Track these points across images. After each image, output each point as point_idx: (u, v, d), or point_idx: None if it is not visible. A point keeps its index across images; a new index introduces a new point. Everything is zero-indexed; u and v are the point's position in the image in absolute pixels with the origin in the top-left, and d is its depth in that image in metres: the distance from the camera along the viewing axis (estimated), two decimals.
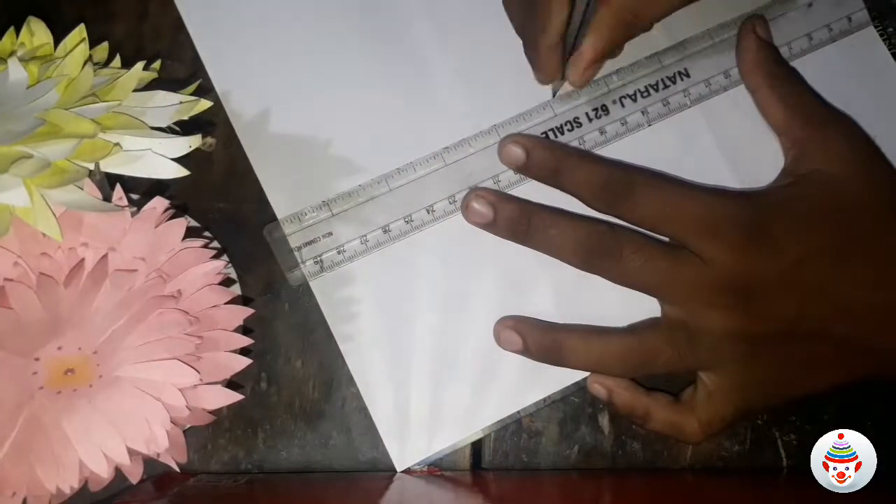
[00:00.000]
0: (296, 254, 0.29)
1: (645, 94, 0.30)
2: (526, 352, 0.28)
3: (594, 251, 0.27)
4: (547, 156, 0.28)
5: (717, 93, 0.31)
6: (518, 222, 0.28)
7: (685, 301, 0.27)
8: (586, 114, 0.30)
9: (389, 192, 0.29)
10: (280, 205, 0.30)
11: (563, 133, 0.30)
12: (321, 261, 0.29)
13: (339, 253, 0.29)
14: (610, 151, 0.30)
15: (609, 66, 0.30)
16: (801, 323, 0.26)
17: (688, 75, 0.30)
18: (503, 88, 0.31)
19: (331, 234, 0.29)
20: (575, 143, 0.30)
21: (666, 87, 0.30)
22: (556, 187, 0.28)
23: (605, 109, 0.30)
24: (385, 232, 0.29)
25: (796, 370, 0.27)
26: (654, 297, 0.27)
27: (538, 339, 0.28)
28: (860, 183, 0.27)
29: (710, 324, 0.26)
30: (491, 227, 0.28)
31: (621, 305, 0.28)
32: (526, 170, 0.29)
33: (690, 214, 0.26)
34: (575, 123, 0.30)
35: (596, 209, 0.28)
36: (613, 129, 0.30)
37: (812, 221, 0.26)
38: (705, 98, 0.31)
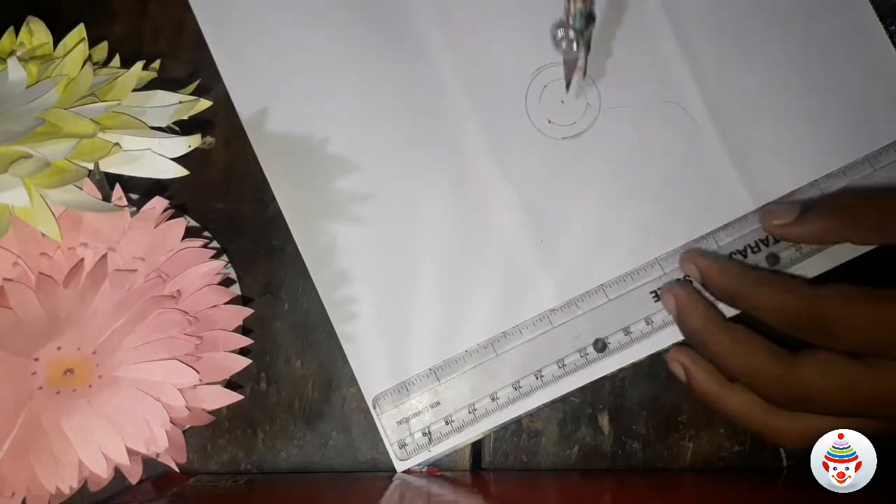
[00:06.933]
0: (403, 426, 0.29)
1: (755, 249, 0.29)
2: (688, 388, 0.28)
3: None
4: (723, 280, 0.27)
5: (826, 244, 0.29)
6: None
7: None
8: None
9: (496, 358, 0.29)
10: (284, 199, 0.30)
11: None
12: (429, 433, 0.29)
13: (447, 423, 0.29)
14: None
15: (715, 221, 0.30)
16: None
17: None
18: (506, 89, 0.31)
19: (438, 403, 0.29)
20: None
21: (776, 241, 0.29)
22: (741, 310, 0.27)
23: None
24: (493, 400, 0.29)
25: None
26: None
27: (701, 384, 0.27)
28: None
29: None
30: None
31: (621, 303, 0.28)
32: (706, 288, 0.28)
33: None
34: (685, 281, 0.29)
35: (789, 335, 0.26)
36: None
37: None
38: (816, 252, 0.29)
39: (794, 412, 0.25)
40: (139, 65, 0.24)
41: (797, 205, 0.28)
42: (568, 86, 0.29)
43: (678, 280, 0.29)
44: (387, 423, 0.29)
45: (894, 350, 0.23)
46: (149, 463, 0.24)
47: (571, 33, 0.26)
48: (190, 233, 0.26)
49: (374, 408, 0.29)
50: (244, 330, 0.27)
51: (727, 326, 0.27)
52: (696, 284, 0.28)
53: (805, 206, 0.28)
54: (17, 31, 0.25)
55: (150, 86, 0.25)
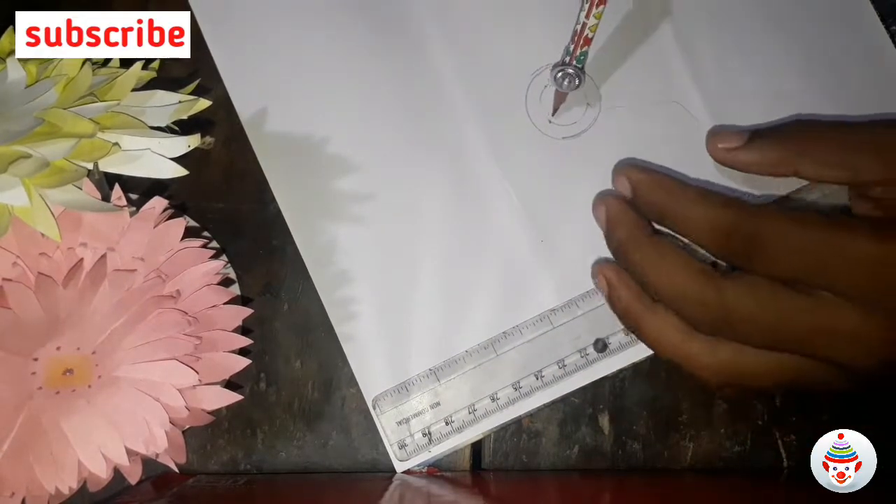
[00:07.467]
0: (403, 426, 0.29)
1: None
2: (610, 305, 0.26)
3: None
4: (654, 195, 0.25)
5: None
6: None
7: (834, 355, 0.22)
8: None
9: (496, 358, 0.29)
10: (284, 199, 0.30)
11: None
12: (429, 433, 0.29)
13: (447, 424, 0.29)
14: None
15: None
16: None
17: None
18: (506, 89, 0.31)
19: (438, 404, 0.29)
20: None
21: None
22: (670, 230, 0.25)
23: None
24: (493, 400, 0.29)
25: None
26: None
27: (622, 300, 0.25)
28: None
29: (855, 370, 0.22)
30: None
31: None
32: (636, 206, 0.26)
33: (847, 269, 0.21)
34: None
35: (719, 259, 0.24)
36: None
37: None
38: None
39: (717, 342, 0.23)
40: (139, 64, 0.24)
41: (747, 130, 0.26)
42: (555, 111, 0.30)
43: None
44: (387, 424, 0.29)
45: (834, 280, 0.22)
46: (148, 463, 0.24)
47: (572, 70, 0.27)
48: (190, 233, 0.26)
49: (374, 408, 0.29)
50: (244, 330, 0.27)
51: (655, 240, 0.25)
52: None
53: (756, 132, 0.26)
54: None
55: (149, 85, 0.25)
